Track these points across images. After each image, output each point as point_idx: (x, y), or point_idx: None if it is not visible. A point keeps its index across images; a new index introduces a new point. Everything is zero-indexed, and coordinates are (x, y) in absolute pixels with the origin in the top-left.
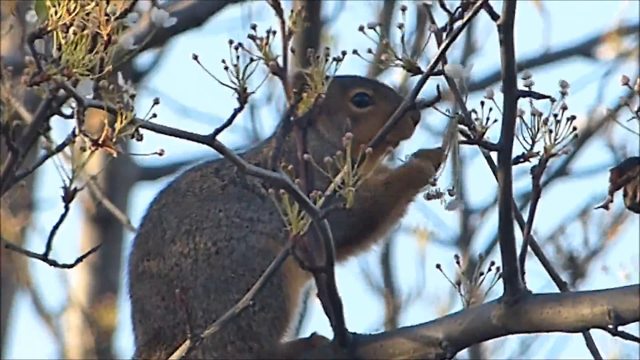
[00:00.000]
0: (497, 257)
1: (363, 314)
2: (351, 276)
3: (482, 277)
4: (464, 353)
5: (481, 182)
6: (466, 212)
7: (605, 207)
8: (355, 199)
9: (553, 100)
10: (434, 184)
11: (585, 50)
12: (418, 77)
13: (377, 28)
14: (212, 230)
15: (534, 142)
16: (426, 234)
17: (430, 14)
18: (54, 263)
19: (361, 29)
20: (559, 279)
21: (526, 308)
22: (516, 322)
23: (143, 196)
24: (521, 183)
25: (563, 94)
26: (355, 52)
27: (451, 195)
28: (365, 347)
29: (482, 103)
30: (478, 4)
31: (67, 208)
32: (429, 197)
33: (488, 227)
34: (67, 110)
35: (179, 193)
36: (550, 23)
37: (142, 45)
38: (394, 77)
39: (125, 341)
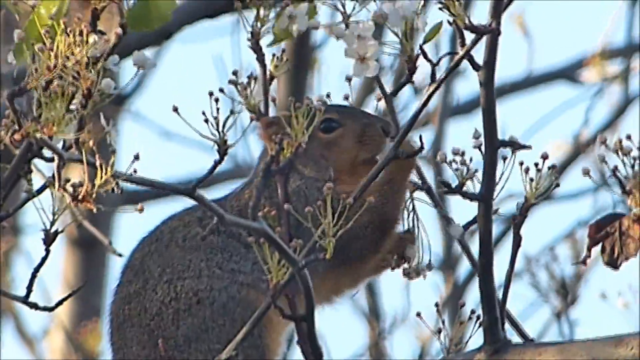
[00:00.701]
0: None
1: (348, 339)
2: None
3: (462, 325)
4: None
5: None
6: (450, 237)
7: (583, 263)
8: (368, 210)
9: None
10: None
11: (569, 73)
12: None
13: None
14: (193, 281)
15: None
16: None
17: (380, 83)
18: (34, 306)
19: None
20: (525, 334)
21: (506, 357)
22: None
23: (127, 221)
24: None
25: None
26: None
27: (429, 269)
28: None
29: (463, 153)
30: (459, 55)
31: (47, 251)
32: (409, 276)
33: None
34: (47, 153)
35: (162, 242)
36: (533, 46)
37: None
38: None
39: None
